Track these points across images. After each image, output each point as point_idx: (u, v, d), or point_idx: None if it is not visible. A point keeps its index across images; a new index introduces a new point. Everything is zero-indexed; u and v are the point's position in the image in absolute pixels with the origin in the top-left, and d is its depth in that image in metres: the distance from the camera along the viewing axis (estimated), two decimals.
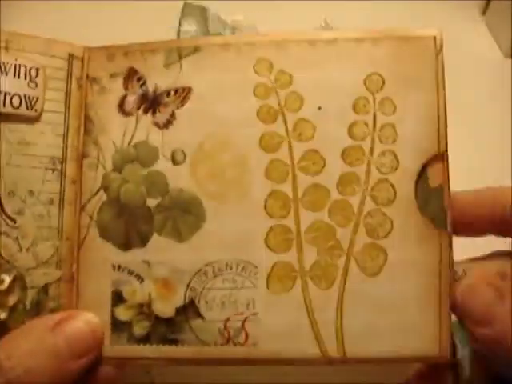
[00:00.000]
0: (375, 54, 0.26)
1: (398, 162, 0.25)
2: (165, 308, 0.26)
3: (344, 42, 0.26)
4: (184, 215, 0.26)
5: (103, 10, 0.42)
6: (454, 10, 0.43)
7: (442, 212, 0.25)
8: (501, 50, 0.42)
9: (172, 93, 0.27)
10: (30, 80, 0.26)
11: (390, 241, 0.25)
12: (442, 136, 0.25)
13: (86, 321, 0.25)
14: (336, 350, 0.25)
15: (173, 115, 0.26)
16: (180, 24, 0.29)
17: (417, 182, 0.25)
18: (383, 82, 0.26)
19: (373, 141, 0.25)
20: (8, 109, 0.26)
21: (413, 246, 0.25)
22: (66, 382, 0.23)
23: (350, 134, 0.25)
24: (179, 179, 0.26)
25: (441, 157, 0.25)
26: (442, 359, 0.25)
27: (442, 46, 0.26)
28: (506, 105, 0.37)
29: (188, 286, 0.25)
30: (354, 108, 0.26)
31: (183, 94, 0.27)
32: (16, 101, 0.26)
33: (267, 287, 0.25)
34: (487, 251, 0.26)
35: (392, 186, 0.25)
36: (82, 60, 0.27)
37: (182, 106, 0.26)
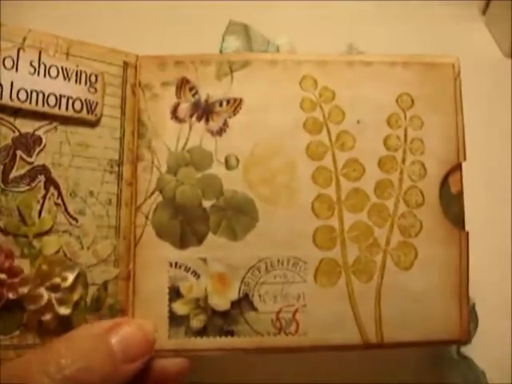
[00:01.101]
0: (405, 76, 0.30)
1: (425, 170, 0.29)
2: (221, 302, 0.27)
3: (378, 65, 0.30)
4: (238, 216, 0.28)
5: (102, 10, 0.42)
6: (454, 10, 0.43)
7: (460, 214, 0.29)
8: (501, 50, 0.42)
9: (224, 103, 0.29)
10: (90, 85, 0.27)
11: (419, 239, 0.29)
12: (460, 149, 0.29)
13: (139, 326, 0.26)
14: (375, 336, 0.28)
15: (225, 123, 0.29)
16: (223, 40, 0.31)
17: (441, 189, 0.29)
18: (412, 102, 0.29)
19: (404, 152, 0.29)
20: (70, 112, 0.27)
21: (438, 243, 0.29)
22: (118, 383, 0.24)
23: (385, 146, 0.29)
24: (233, 182, 0.28)
25: (459, 167, 0.29)
26: (462, 341, 0.28)
27: (459, 73, 0.30)
28: (505, 105, 0.38)
29: (242, 280, 0.28)
30: (388, 123, 0.29)
31: (235, 104, 0.29)
32: (78, 105, 0.27)
33: (315, 281, 0.28)
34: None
35: (421, 191, 0.29)
36: (135, 67, 0.29)
37: (234, 115, 0.29)
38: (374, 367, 0.34)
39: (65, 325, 0.25)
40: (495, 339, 0.33)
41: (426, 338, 0.28)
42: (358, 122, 0.29)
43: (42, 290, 0.25)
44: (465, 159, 0.29)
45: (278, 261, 0.28)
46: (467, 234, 0.29)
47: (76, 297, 0.26)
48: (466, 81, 0.30)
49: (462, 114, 0.30)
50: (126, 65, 0.29)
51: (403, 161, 0.29)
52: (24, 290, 0.24)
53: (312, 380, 0.34)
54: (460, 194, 0.29)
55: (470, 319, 0.29)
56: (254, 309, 0.27)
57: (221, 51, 0.32)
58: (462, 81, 0.30)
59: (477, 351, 0.33)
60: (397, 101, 0.29)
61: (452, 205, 0.29)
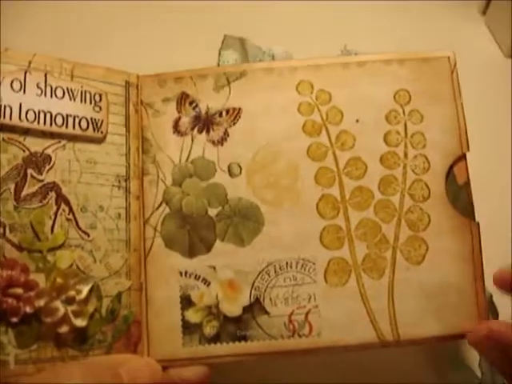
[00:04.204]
0: (401, 72, 0.30)
1: (429, 163, 0.29)
2: (232, 308, 0.28)
3: (373, 64, 0.30)
4: (244, 221, 0.28)
5: (100, 10, 0.43)
6: (454, 10, 0.43)
7: (469, 205, 0.29)
8: (501, 50, 0.42)
9: (224, 113, 0.30)
10: (95, 104, 0.28)
11: (428, 232, 0.28)
12: (463, 139, 0.29)
13: (147, 362, 0.26)
14: (391, 333, 0.27)
15: (226, 133, 0.29)
16: (220, 54, 0.32)
17: (446, 181, 0.29)
18: (410, 97, 0.30)
19: (406, 146, 0.29)
20: (77, 130, 0.28)
21: (448, 236, 0.28)
22: None
23: (386, 142, 0.29)
24: (237, 189, 0.29)
25: (463, 157, 0.29)
26: None
27: (455, 65, 0.30)
28: (505, 105, 0.38)
29: (252, 285, 0.28)
30: (387, 119, 0.29)
31: (234, 113, 0.30)
32: (84, 123, 0.28)
33: (325, 281, 0.28)
34: None
35: (426, 184, 0.29)
36: (137, 87, 0.30)
37: (234, 124, 0.29)
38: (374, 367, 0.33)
39: (81, 337, 0.26)
40: None
41: (443, 332, 0.27)
42: (357, 120, 0.29)
43: (58, 303, 0.25)
44: (468, 150, 0.29)
45: (287, 263, 0.28)
46: (478, 224, 0.28)
47: (91, 309, 0.26)
48: (466, 81, 0.30)
49: (462, 105, 0.30)
50: (127, 84, 0.30)
51: (405, 155, 0.29)
52: (40, 303, 0.25)
53: (311, 379, 0.33)
54: (467, 184, 0.29)
55: (488, 311, 0.28)
56: (266, 313, 0.28)
57: (218, 65, 0.33)
58: (463, 81, 0.30)
59: None
60: (394, 97, 0.30)
61: (460, 196, 0.29)
